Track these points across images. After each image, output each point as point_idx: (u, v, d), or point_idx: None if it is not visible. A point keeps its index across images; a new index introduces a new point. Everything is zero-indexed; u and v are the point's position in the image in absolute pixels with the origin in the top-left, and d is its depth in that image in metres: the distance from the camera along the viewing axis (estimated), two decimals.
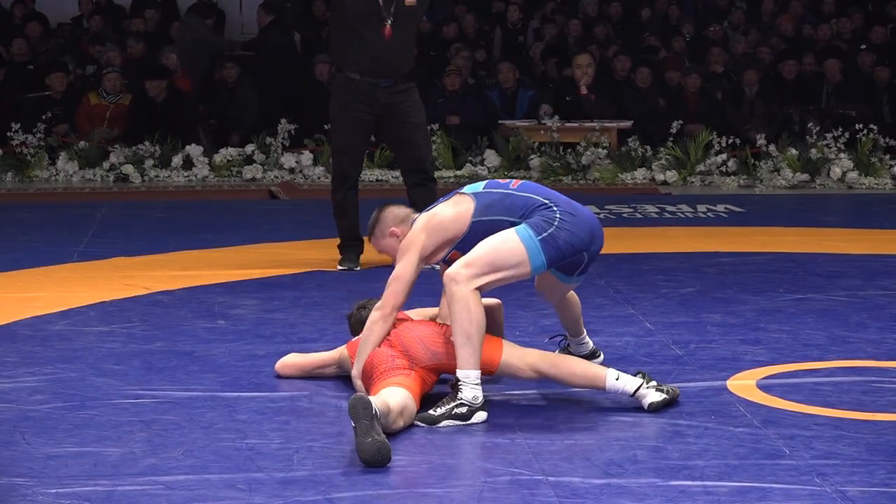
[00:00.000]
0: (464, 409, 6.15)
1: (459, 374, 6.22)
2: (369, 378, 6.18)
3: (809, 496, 5.16)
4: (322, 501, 5.12)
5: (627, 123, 14.99)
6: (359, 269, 9.15)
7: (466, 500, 5.13)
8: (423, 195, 8.72)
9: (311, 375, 6.77)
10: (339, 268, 9.24)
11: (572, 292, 6.94)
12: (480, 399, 6.15)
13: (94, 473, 5.39)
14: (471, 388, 6.17)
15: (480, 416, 6.15)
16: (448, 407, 6.18)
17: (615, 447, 5.75)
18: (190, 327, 7.92)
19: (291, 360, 6.80)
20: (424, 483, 5.32)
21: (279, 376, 6.75)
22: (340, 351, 6.65)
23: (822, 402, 6.41)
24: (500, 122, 15.42)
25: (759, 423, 6.08)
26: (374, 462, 5.37)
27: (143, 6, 18.67)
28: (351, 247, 9.20)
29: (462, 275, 6.22)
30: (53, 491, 5.18)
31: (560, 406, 6.32)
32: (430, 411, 6.18)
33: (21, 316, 8.12)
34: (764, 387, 6.67)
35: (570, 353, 6.95)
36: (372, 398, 5.58)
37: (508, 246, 6.26)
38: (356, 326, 6.73)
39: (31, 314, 8.17)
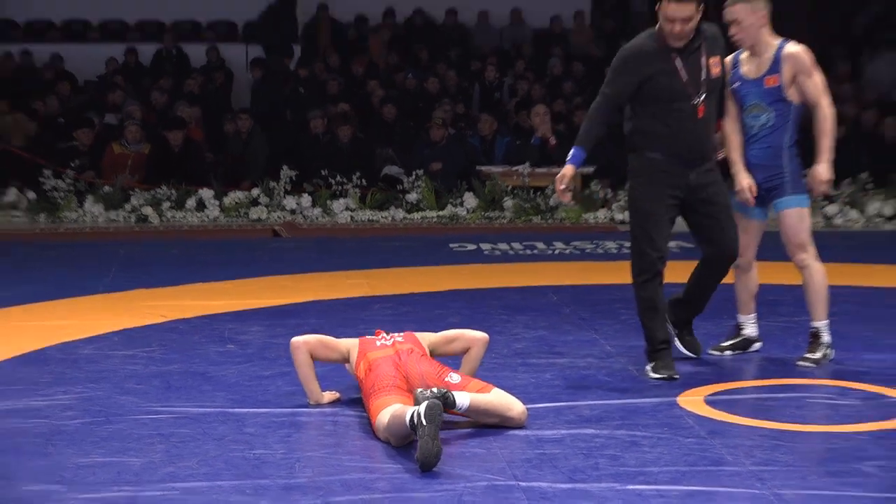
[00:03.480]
0: (827, 351, 7.55)
1: (818, 324, 7.56)
2: (372, 388, 6.18)
3: (750, 499, 5.20)
4: None
5: (590, 169, 15.03)
6: (679, 377, 7.20)
7: None
8: (716, 280, 7.49)
9: (319, 357, 6.66)
10: (656, 376, 7.18)
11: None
12: (830, 341, 7.58)
13: (118, 481, 5.41)
14: (827, 334, 7.56)
15: (830, 353, 7.60)
16: (821, 353, 7.51)
17: (579, 455, 5.78)
18: (203, 351, 7.94)
19: (310, 337, 6.67)
20: (411, 488, 5.35)
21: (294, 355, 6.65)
22: (352, 343, 6.61)
23: (762, 415, 6.44)
24: (478, 167, 15.48)
25: (705, 434, 6.12)
26: (430, 465, 5.47)
27: (161, 66, 18.75)
28: (666, 350, 7.28)
29: (801, 257, 7.49)
30: (83, 496, 5.21)
31: (529, 420, 6.35)
32: (808, 355, 7.53)
33: (53, 342, 8.13)
34: (710, 402, 6.70)
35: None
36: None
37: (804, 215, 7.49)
38: None
39: (61, 340, 8.19)
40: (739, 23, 7.28)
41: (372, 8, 20.23)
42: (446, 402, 5.81)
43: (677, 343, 7.53)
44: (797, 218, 7.46)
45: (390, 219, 14.54)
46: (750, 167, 7.45)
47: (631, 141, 7.23)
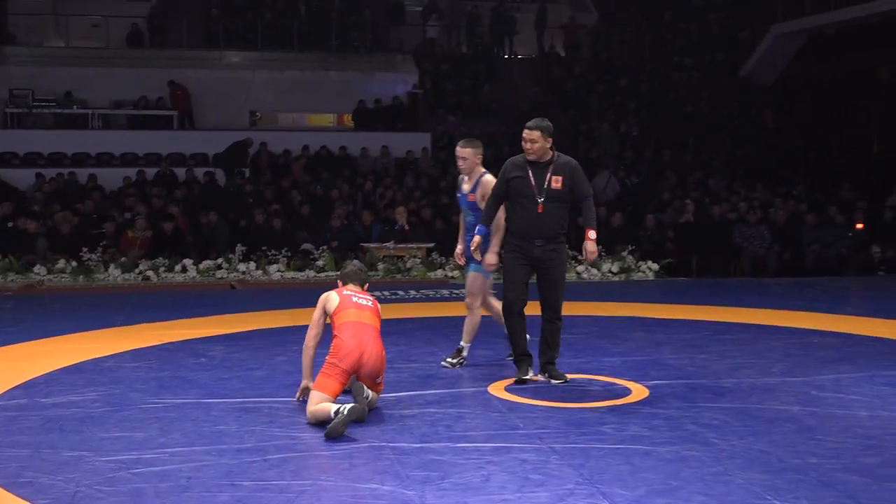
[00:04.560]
0: (462, 361, 7.45)
1: (464, 344, 7.45)
2: (331, 352, 5.84)
3: (534, 450, 5.19)
4: (260, 461, 5.02)
5: (431, 244, 15.03)
6: (527, 378, 6.85)
7: (341, 461, 5.07)
8: (550, 330, 6.89)
9: (319, 337, 6.16)
10: (514, 379, 6.89)
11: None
12: (466, 356, 7.48)
13: (128, 448, 5.25)
14: (466, 351, 7.47)
15: (464, 362, 7.46)
16: (457, 360, 7.41)
17: (426, 425, 5.71)
18: (184, 363, 7.70)
19: (309, 344, 6.17)
20: (319, 448, 5.26)
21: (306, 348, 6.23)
22: (332, 301, 6.08)
23: (540, 397, 6.44)
24: (362, 244, 15.40)
25: (506, 410, 6.10)
26: (332, 437, 5.34)
27: (159, 181, 18.43)
28: (522, 360, 6.95)
29: (469, 301, 7.41)
30: (104, 459, 5.06)
31: (392, 403, 6.26)
32: (449, 359, 7.41)
33: (85, 357, 7.86)
34: (510, 390, 6.67)
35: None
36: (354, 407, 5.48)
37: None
38: (344, 276, 6.39)
39: (91, 356, 7.91)
40: (465, 159, 7.32)
41: (294, 146, 20.17)
42: (366, 399, 5.68)
43: (547, 377, 6.88)
44: (476, 278, 7.37)
45: (306, 277, 14.34)
46: (466, 247, 7.37)
47: (506, 225, 7.07)
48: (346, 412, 5.41)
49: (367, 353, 5.87)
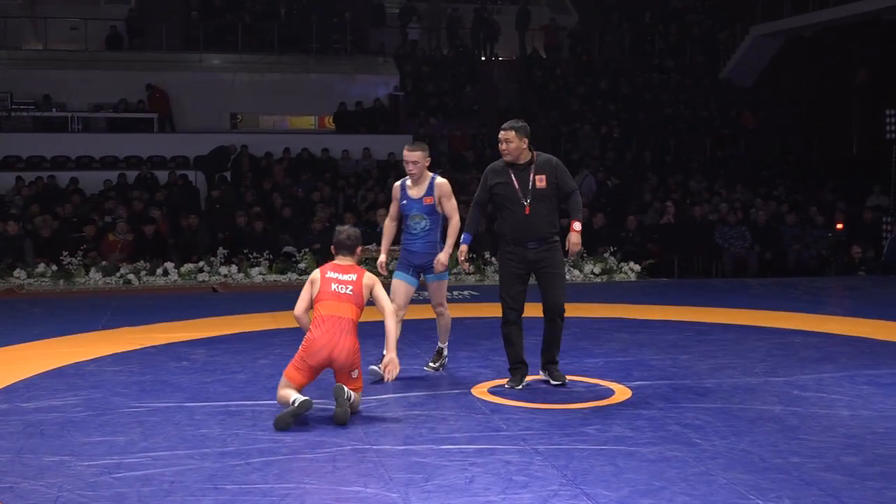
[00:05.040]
0: (444, 362, 7.51)
1: (442, 345, 7.50)
2: (304, 341, 5.91)
3: (517, 452, 5.19)
4: (243, 464, 5.01)
5: None
6: (520, 387, 6.76)
7: (325, 464, 5.05)
8: (552, 329, 6.83)
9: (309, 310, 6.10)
10: (507, 386, 6.78)
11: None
12: (447, 355, 7.54)
13: (110, 452, 5.22)
14: (446, 350, 7.52)
15: (445, 362, 7.52)
16: (439, 363, 7.44)
17: (409, 427, 5.72)
18: (166, 366, 7.67)
19: (298, 314, 6.08)
20: (303, 452, 5.23)
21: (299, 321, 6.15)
22: (315, 281, 6.07)
23: (526, 399, 6.45)
24: None
25: (489, 412, 6.10)
26: (279, 428, 5.60)
27: (140, 184, 18.36)
28: (517, 369, 6.85)
29: (440, 309, 7.40)
30: (85, 464, 5.03)
31: (375, 406, 6.25)
32: (431, 364, 7.48)
33: (67, 362, 7.82)
34: (493, 392, 6.68)
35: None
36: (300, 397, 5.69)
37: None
38: (335, 244, 6.23)
39: (72, 360, 7.87)
40: (417, 163, 7.16)
41: (275, 148, 20.14)
42: (348, 400, 5.79)
43: (547, 376, 6.90)
44: (440, 285, 7.35)
45: (288, 280, 14.32)
46: (413, 254, 7.27)
47: (496, 230, 6.98)
48: (296, 404, 5.59)
49: (339, 347, 5.87)
